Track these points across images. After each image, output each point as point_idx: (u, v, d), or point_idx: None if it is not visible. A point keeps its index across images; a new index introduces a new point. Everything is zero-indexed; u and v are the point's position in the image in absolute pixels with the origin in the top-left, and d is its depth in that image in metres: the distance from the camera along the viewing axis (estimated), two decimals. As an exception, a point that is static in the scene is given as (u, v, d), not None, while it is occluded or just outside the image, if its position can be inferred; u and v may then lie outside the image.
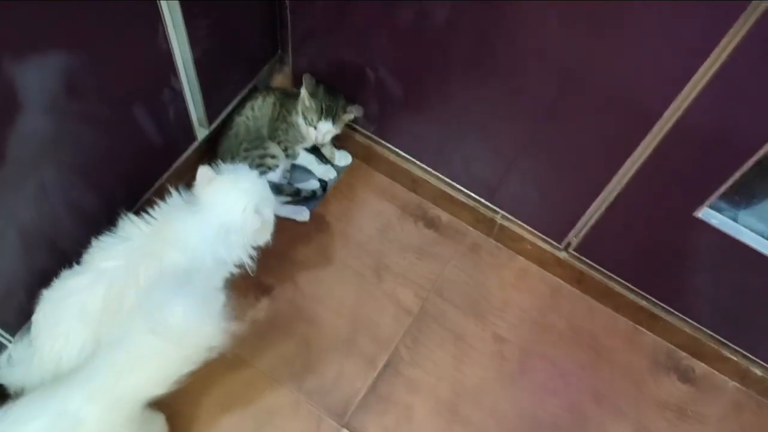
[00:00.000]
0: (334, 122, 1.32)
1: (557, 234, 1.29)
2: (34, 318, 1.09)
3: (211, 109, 1.30)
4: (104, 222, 1.20)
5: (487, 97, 1.13)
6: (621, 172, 1.06)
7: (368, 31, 1.17)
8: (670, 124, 0.95)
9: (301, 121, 1.34)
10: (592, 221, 1.19)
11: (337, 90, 1.34)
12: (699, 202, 1.01)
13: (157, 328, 0.95)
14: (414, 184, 1.42)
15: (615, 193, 1.10)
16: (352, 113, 1.33)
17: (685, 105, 0.91)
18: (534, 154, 1.16)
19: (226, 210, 1.10)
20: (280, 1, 1.25)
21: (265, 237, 1.16)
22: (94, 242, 1.11)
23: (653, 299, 1.29)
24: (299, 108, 1.34)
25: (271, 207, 1.15)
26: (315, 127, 1.32)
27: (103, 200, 1.18)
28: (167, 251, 1.08)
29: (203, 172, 1.11)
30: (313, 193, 1.42)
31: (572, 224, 1.23)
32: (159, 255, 1.08)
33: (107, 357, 0.98)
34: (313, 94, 1.31)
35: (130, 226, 1.12)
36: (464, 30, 1.04)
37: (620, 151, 1.03)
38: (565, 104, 1.03)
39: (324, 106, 1.30)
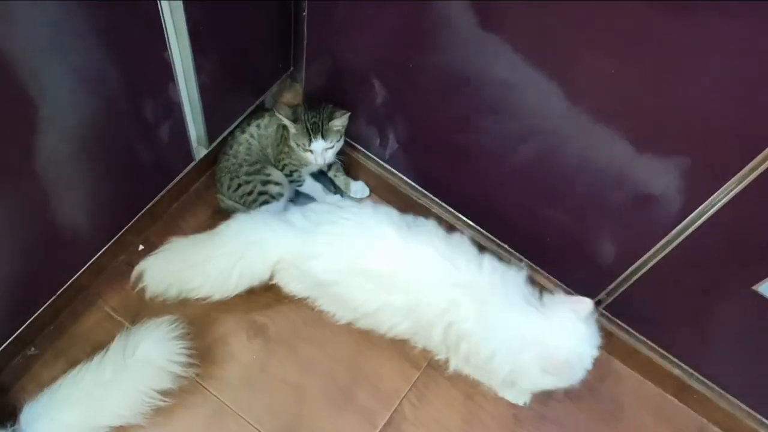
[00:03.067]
0: (324, 137, 1.19)
1: (587, 289, 1.16)
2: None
3: (213, 128, 1.18)
4: (88, 248, 1.12)
5: (517, 140, 1.01)
6: (673, 233, 0.93)
7: (393, 54, 1.05)
8: (741, 186, 0.82)
9: (298, 150, 1.22)
10: (631, 281, 1.07)
11: (318, 100, 1.22)
12: (762, 276, 0.89)
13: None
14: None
15: (662, 255, 0.98)
16: (338, 117, 1.19)
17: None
18: (569, 203, 1.04)
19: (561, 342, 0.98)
20: (296, 15, 1.13)
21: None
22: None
23: (688, 368, 1.17)
24: (291, 140, 1.22)
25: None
26: (311, 151, 1.20)
27: (84, 223, 1.06)
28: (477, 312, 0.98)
29: (587, 304, 0.98)
30: None
31: (607, 283, 1.11)
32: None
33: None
34: (295, 120, 1.19)
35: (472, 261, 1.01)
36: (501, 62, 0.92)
37: (677, 213, 0.90)
38: (609, 149, 0.91)
39: (309, 125, 1.18)
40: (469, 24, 0.90)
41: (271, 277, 1.12)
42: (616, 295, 1.12)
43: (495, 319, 0.98)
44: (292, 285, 1.12)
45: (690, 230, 0.91)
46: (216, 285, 1.12)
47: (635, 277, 1.06)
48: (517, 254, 1.21)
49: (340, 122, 1.19)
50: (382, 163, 1.29)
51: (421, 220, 1.07)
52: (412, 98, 1.11)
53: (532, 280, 1.12)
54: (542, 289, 1.06)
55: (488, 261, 1.02)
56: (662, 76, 0.78)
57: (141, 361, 1.08)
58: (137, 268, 1.15)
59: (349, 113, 1.20)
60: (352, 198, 1.34)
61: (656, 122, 0.83)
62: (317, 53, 1.18)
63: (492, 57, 0.92)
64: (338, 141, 1.22)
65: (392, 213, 1.06)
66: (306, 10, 1.10)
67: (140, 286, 1.15)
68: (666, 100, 0.80)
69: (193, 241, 1.15)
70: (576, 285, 1.17)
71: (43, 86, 0.81)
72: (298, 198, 1.33)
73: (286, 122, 1.19)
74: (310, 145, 1.19)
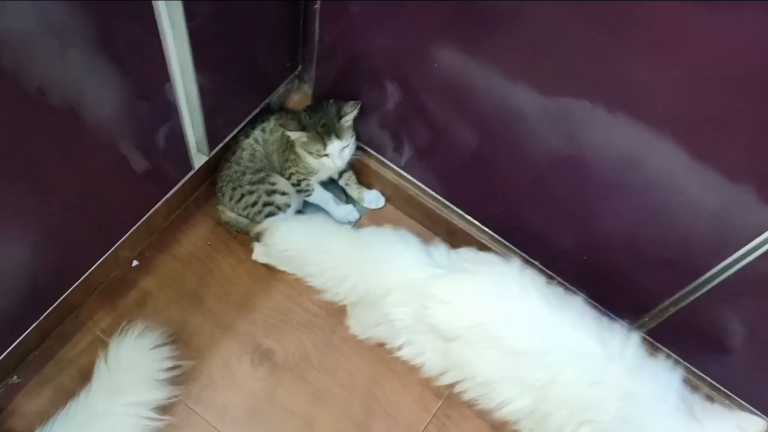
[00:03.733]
0: (339, 135, 1.08)
1: (628, 313, 1.04)
2: None
3: (214, 133, 1.07)
4: (78, 265, 1.03)
5: (553, 153, 0.90)
6: (736, 256, 0.82)
7: (417, 52, 0.94)
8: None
9: (310, 159, 1.11)
10: (680, 306, 0.95)
11: (318, 99, 1.12)
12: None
13: None
14: (451, 235, 1.19)
15: (719, 280, 0.87)
16: (350, 111, 1.08)
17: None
18: (616, 223, 0.93)
19: None
20: (306, 8, 1.02)
21: None
22: None
23: (741, 401, 1.05)
24: (300, 151, 1.12)
25: None
26: (327, 155, 1.09)
27: (74, 238, 0.96)
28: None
29: (759, 425, 0.81)
30: None
31: (652, 305, 1.00)
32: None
33: None
34: (304, 128, 1.08)
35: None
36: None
37: (742, 234, 0.79)
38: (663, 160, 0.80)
39: (319, 128, 1.07)
40: (501, 20, 0.80)
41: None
42: (661, 319, 1.01)
43: (638, 421, 0.83)
44: (399, 309, 0.96)
45: (757, 254, 0.80)
46: (329, 282, 1.02)
47: (686, 302, 0.94)
48: (549, 272, 1.10)
49: (351, 116, 1.09)
50: (398, 170, 1.18)
51: (563, 291, 0.94)
52: (435, 101, 1.00)
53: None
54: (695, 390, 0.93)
55: (638, 351, 0.87)
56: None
57: (127, 376, 1.00)
58: (264, 224, 1.10)
59: (360, 103, 1.09)
60: (365, 208, 1.23)
61: (724, 137, 0.72)
62: (330, 51, 1.07)
63: (527, 57, 0.82)
64: (352, 137, 1.12)
65: (539, 280, 0.92)
66: (318, 3, 0.99)
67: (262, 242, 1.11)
68: (735, 109, 0.69)
69: (335, 227, 1.10)
70: (615, 306, 1.06)
71: (26, 88, 0.71)
72: (307, 209, 1.22)
73: (297, 134, 1.09)
74: (326, 149, 1.08)
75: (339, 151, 1.10)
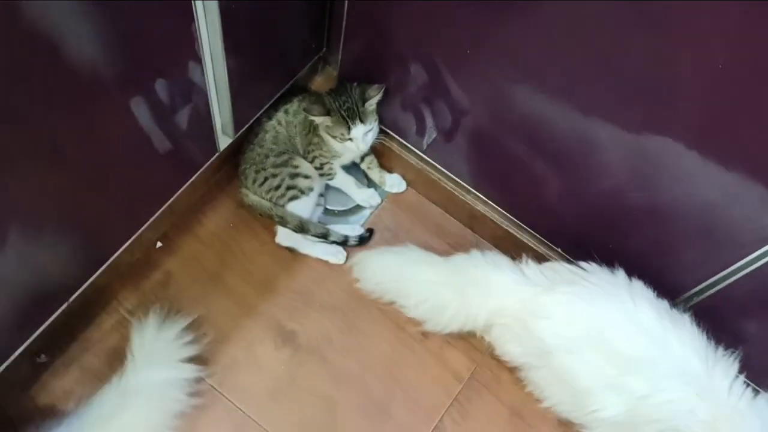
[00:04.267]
0: (363, 120, 1.08)
1: (668, 289, 1.03)
2: None
3: (239, 115, 1.07)
4: (106, 247, 1.03)
5: (586, 145, 0.90)
6: (762, 250, 0.82)
7: (450, 37, 0.93)
8: None
9: (333, 142, 1.11)
10: (703, 296, 0.96)
11: (341, 82, 1.12)
12: None
13: None
14: (472, 220, 1.19)
15: (744, 273, 0.87)
16: (374, 95, 1.08)
17: None
18: (648, 204, 0.92)
19: None
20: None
21: None
22: None
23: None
24: (324, 134, 1.11)
25: None
26: (350, 139, 1.09)
27: (102, 221, 0.96)
28: None
29: None
30: (345, 239, 1.17)
31: (675, 295, 1.00)
32: None
33: None
34: (328, 112, 1.08)
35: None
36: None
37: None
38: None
39: (342, 112, 1.07)
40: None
41: (485, 330, 1.02)
42: (706, 296, 0.99)
43: None
44: (509, 346, 0.99)
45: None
46: (428, 312, 1.05)
47: (711, 291, 0.95)
48: (571, 260, 1.10)
49: (375, 99, 1.09)
50: (421, 154, 1.18)
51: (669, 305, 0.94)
52: (462, 86, 0.99)
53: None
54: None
55: (738, 382, 0.87)
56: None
57: (151, 356, 1.01)
58: (356, 258, 1.13)
59: (384, 86, 1.09)
60: (387, 192, 1.23)
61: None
62: (356, 32, 1.06)
63: (560, 46, 0.81)
64: (376, 121, 1.12)
65: (648, 291, 0.93)
66: (347, -15, 0.98)
67: (354, 276, 1.14)
68: None
69: (425, 257, 1.09)
70: (654, 283, 1.05)
71: (55, 65, 0.70)
72: (328, 193, 1.22)
73: (322, 119, 1.09)
74: (350, 133, 1.08)
75: (363, 135, 1.09)
